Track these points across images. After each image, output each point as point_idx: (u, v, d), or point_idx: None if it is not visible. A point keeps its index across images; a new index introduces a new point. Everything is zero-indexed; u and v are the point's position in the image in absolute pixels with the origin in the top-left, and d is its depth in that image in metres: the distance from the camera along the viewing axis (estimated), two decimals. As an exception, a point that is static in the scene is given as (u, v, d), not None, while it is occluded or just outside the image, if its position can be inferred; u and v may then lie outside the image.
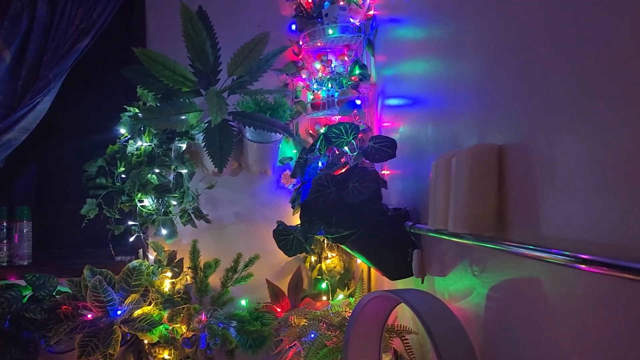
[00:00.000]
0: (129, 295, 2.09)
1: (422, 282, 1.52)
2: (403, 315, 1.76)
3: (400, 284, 1.78)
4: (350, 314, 1.58)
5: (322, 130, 2.40)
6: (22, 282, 2.20)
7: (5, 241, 2.34)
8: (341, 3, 2.28)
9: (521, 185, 1.00)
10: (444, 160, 1.20)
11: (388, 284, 1.94)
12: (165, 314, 2.10)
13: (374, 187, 1.51)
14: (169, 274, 2.22)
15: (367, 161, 2.00)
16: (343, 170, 1.59)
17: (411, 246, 1.57)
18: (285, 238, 1.62)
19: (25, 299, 2.10)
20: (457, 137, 1.34)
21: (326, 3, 2.32)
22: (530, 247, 0.90)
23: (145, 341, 2.11)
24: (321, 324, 1.68)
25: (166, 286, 2.20)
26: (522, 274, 1.03)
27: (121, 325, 2.01)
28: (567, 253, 0.77)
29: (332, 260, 2.29)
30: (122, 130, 2.24)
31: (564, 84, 0.84)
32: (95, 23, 2.30)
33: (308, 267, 2.35)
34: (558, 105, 0.87)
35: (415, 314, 1.23)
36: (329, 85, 2.31)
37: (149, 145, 2.18)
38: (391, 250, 1.61)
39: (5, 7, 2.25)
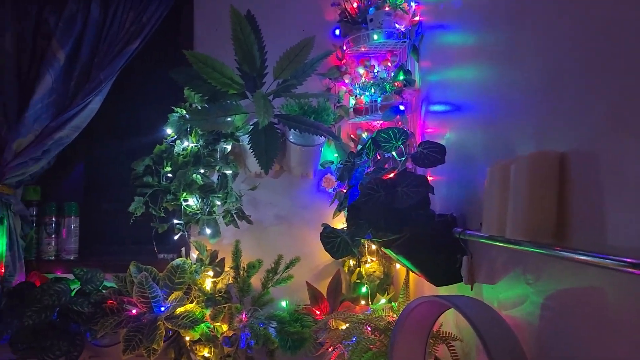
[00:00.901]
0: (173, 293, 2.13)
1: (472, 289, 1.51)
2: (447, 322, 1.75)
3: (443, 291, 1.78)
4: (394, 319, 1.58)
5: (364, 135, 2.41)
6: (69, 276, 2.27)
7: (53, 236, 2.42)
8: (387, 9, 2.29)
9: (585, 192, 0.99)
10: (500, 166, 1.19)
11: (428, 290, 1.94)
12: (207, 312, 2.13)
13: (423, 192, 1.51)
14: (211, 273, 2.26)
15: (411, 166, 2.01)
16: (392, 174, 1.60)
17: (458, 252, 1.56)
18: (332, 241, 1.64)
19: (73, 292, 2.17)
20: (511, 144, 1.33)
21: (371, 9, 2.33)
22: (596, 254, 0.89)
23: (187, 338, 2.15)
24: (365, 327, 1.68)
25: (208, 285, 2.23)
26: (583, 283, 1.02)
27: (165, 322, 2.05)
28: (633, 261, 0.76)
29: (371, 264, 2.29)
30: (169, 131, 2.29)
31: (633, 88, 0.83)
32: (145, 26, 2.37)
33: (347, 271, 2.36)
34: (626, 111, 0.85)
35: (468, 320, 1.22)
36: (372, 91, 2.32)
37: (195, 146, 2.23)
38: (437, 255, 1.61)
39: (60, 9, 2.34)
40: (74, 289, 2.19)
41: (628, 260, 0.74)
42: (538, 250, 1.07)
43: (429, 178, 2.00)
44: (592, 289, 0.98)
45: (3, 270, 2.18)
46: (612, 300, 0.91)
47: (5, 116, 2.27)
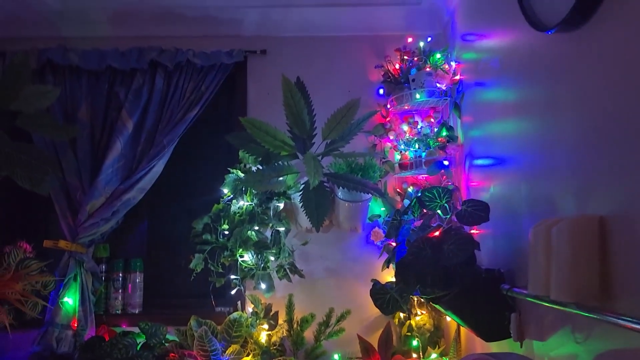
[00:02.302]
0: (230, 346, 2.23)
1: (521, 347, 1.53)
2: (499, 377, 1.76)
3: (494, 345, 1.79)
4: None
5: (409, 190, 2.48)
6: (135, 329, 2.41)
7: (120, 290, 2.58)
8: (428, 69, 2.41)
9: (626, 255, 1.04)
10: (544, 227, 1.25)
11: (480, 344, 1.95)
12: (263, 366, 2.21)
13: (469, 250, 1.57)
14: (266, 326, 2.34)
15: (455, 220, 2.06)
16: (437, 232, 1.67)
17: (506, 309, 1.59)
18: (382, 297, 1.70)
19: (139, 346, 2.30)
20: (553, 201, 1.38)
21: (413, 70, 2.45)
22: (635, 319, 0.93)
23: (244, 391, 2.22)
24: (417, 382, 1.72)
25: (263, 338, 2.32)
26: (630, 344, 1.05)
27: (223, 374, 2.15)
28: None
29: (421, 317, 2.32)
30: (226, 190, 2.44)
31: None
32: (204, 94, 2.57)
33: (397, 323, 2.39)
34: None
35: (517, 378, 1.25)
36: (416, 146, 2.42)
37: (250, 205, 2.37)
38: (486, 311, 1.64)
39: (129, 83, 2.58)
40: (139, 342, 2.32)
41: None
42: (582, 313, 1.11)
43: (475, 232, 2.05)
44: (637, 351, 1.01)
45: (76, 325, 2.34)
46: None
47: (80, 181, 2.49)
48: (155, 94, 2.56)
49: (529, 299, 1.37)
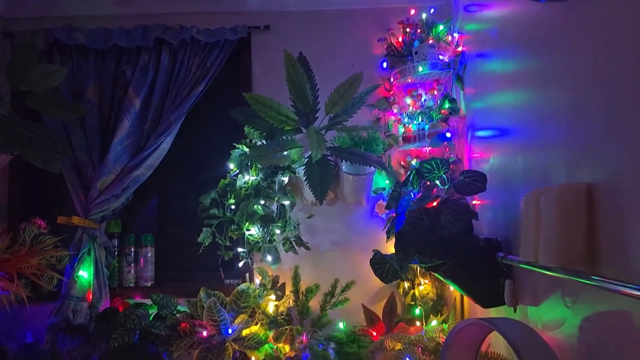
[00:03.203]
0: (239, 316, 2.30)
1: (515, 312, 1.57)
2: (497, 342, 1.81)
3: (493, 312, 1.83)
4: (444, 340, 1.66)
5: (413, 162, 2.51)
6: (147, 301, 2.50)
7: (132, 265, 2.66)
8: (430, 41, 2.40)
9: (612, 222, 1.06)
10: (533, 196, 1.28)
11: (481, 311, 1.99)
12: (271, 334, 2.28)
13: (466, 220, 1.60)
14: (273, 296, 2.41)
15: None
16: (435, 203, 1.70)
17: (503, 275, 1.63)
18: (382, 266, 1.75)
19: (151, 317, 2.38)
20: (547, 171, 1.40)
21: (416, 42, 2.45)
22: (616, 282, 0.96)
23: (253, 358, 2.30)
24: (416, 348, 1.77)
25: (270, 308, 2.39)
26: (614, 306, 1.08)
27: (232, 343, 2.22)
28: None
29: (425, 286, 2.37)
30: (232, 166, 2.49)
31: None
32: (209, 71, 2.60)
33: (401, 293, 2.45)
34: None
35: (508, 342, 1.30)
36: (420, 119, 2.43)
37: (255, 179, 2.42)
38: (483, 279, 1.68)
39: (135, 61, 2.62)
40: (151, 313, 2.41)
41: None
42: (569, 277, 1.14)
43: (476, 202, 2.08)
44: (620, 312, 1.04)
45: (92, 297, 2.44)
46: (638, 323, 0.97)
47: (90, 158, 2.55)
48: (161, 71, 2.60)
49: (521, 265, 1.40)
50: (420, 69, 2.41)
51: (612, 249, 1.06)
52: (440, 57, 2.39)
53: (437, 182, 1.79)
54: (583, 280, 1.08)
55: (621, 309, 1.04)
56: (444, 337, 1.90)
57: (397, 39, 2.57)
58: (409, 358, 1.78)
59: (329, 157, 2.27)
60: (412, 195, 1.97)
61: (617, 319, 1.06)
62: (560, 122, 1.32)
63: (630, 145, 0.99)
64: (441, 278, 1.80)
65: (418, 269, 2.36)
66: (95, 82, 2.63)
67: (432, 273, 2.01)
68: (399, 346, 2.02)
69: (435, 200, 1.70)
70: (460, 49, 2.35)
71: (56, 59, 2.63)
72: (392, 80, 2.59)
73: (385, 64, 2.65)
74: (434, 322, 2.25)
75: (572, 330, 1.27)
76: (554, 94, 1.36)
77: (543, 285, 1.44)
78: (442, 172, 1.76)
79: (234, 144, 2.51)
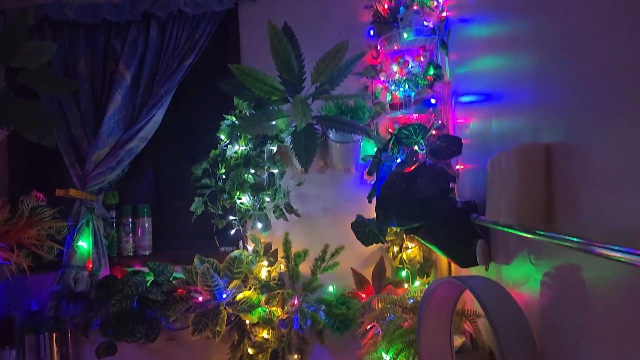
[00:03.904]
0: (232, 281, 2.39)
1: (487, 270, 1.63)
2: (474, 300, 1.87)
3: (473, 271, 1.90)
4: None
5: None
6: (145, 269, 2.60)
7: (130, 234, 2.75)
8: (415, 7, 2.41)
9: (568, 181, 1.10)
10: (497, 158, 1.32)
11: (466, 272, 2.06)
12: (263, 298, 2.37)
13: (441, 183, 1.65)
14: (265, 262, 2.50)
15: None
16: (413, 167, 1.74)
17: (479, 236, 1.68)
18: (362, 230, 1.81)
19: (149, 283, 2.48)
20: (516, 134, 1.44)
21: (401, 8, 2.46)
22: (564, 236, 1.01)
23: (247, 321, 2.40)
24: (397, 307, 1.85)
25: (263, 273, 2.48)
26: (568, 260, 1.13)
27: (226, 307, 2.31)
28: (597, 242, 0.86)
29: (412, 250, 2.44)
30: (222, 136, 2.54)
31: (607, 83, 0.90)
32: (198, 43, 2.63)
33: (390, 257, 2.52)
34: (600, 104, 0.93)
35: (475, 297, 1.36)
36: (406, 86, 2.45)
37: (245, 149, 2.47)
38: (460, 240, 1.73)
39: (124, 35, 2.65)
40: (148, 280, 2.50)
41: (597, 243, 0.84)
42: (527, 235, 1.19)
43: (459, 167, 2.13)
44: (572, 266, 1.10)
45: (91, 266, 2.54)
46: (586, 275, 1.03)
47: (85, 132, 2.61)
48: (151, 44, 2.63)
49: (490, 225, 1.45)
50: (406, 35, 2.42)
51: (566, 206, 1.11)
52: (425, 23, 2.40)
53: (416, 147, 1.83)
54: (532, 236, 1.12)
55: (574, 263, 1.10)
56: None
57: (383, 6, 2.58)
58: (392, 317, 1.86)
59: (316, 126, 2.31)
60: (399, 161, 2.02)
61: (571, 273, 1.12)
62: (527, 86, 1.35)
63: (585, 107, 1.02)
64: (421, 240, 1.86)
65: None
66: (87, 57, 2.68)
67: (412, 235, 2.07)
68: (382, 307, 2.09)
69: (413, 165, 1.75)
70: (444, 14, 2.35)
71: (47, 34, 2.68)
72: (378, 47, 2.61)
73: (372, 32, 2.66)
74: (416, 283, 2.32)
75: (536, 285, 1.33)
76: (522, 59, 1.39)
77: (514, 244, 1.49)
78: (419, 138, 1.80)
79: (224, 115, 2.56)
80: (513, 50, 1.46)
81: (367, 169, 2.58)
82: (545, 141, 1.20)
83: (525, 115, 1.36)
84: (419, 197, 1.65)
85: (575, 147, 1.07)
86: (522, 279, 1.43)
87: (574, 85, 1.08)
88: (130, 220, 2.75)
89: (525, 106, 1.37)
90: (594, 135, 0.97)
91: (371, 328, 1.92)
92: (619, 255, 0.75)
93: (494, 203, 1.33)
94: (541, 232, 1.05)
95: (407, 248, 2.44)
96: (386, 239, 2.33)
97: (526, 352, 1.26)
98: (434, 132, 2.13)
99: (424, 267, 2.42)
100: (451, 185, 1.79)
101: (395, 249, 2.50)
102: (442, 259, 2.40)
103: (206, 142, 2.72)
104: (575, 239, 0.94)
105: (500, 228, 1.33)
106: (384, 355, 1.80)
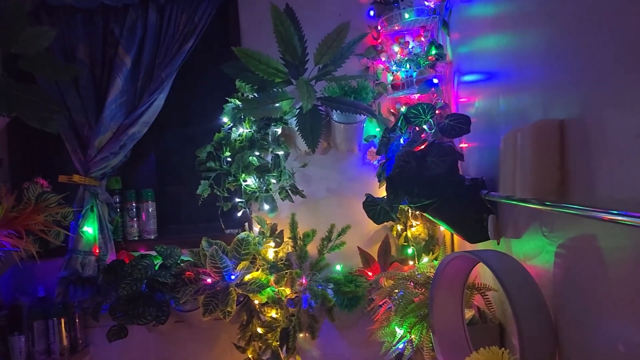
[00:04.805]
0: (240, 262, 2.42)
1: (498, 244, 1.68)
2: (484, 274, 1.93)
3: (480, 247, 1.95)
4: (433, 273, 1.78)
5: (402, 109, 2.57)
6: (152, 253, 2.62)
7: (135, 219, 2.77)
8: (416, -13, 2.42)
9: (581, 154, 1.14)
10: (510, 135, 1.36)
11: (470, 248, 2.11)
12: (272, 278, 2.41)
13: (450, 161, 1.69)
14: (272, 243, 2.53)
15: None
16: (422, 146, 1.78)
17: (487, 212, 1.73)
18: (374, 208, 1.85)
19: (157, 266, 2.50)
20: (525, 111, 1.48)
21: (401, -12, 2.47)
22: (581, 207, 1.05)
23: (256, 301, 2.44)
24: (408, 283, 1.89)
25: (270, 254, 2.51)
26: (583, 231, 1.18)
27: (235, 288, 2.35)
28: (612, 211, 0.90)
29: (416, 228, 2.48)
30: (225, 119, 2.55)
31: (618, 59, 0.93)
32: (197, 26, 2.62)
33: (395, 235, 2.57)
34: (613, 78, 0.96)
35: (491, 269, 1.40)
36: (407, 66, 2.47)
37: (249, 132, 2.48)
38: (469, 216, 1.78)
39: (122, 20, 2.63)
40: (156, 263, 2.53)
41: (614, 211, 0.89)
42: (542, 207, 1.23)
43: (464, 145, 2.16)
44: (587, 236, 1.14)
45: (98, 251, 2.55)
46: (602, 244, 1.07)
47: (86, 118, 2.60)
48: (150, 28, 2.61)
49: (502, 200, 1.50)
50: (407, 15, 2.43)
51: (580, 178, 1.15)
52: (426, 2, 2.41)
53: (424, 126, 1.86)
54: (555, 209, 1.17)
55: (589, 233, 1.14)
56: (433, 272, 2.02)
57: (383, -14, 2.58)
58: (402, 292, 1.90)
59: (319, 107, 2.32)
60: (402, 141, 2.05)
61: (586, 243, 1.16)
62: (536, 62, 1.38)
63: (598, 83, 1.05)
64: (431, 218, 1.90)
65: (410, 211, 2.47)
66: (85, 42, 2.65)
67: (423, 214, 2.12)
68: (392, 283, 2.14)
69: (422, 144, 1.78)
70: (445, -6, 2.37)
71: (44, 20, 2.64)
72: (379, 28, 2.62)
73: (372, 12, 2.66)
74: (425, 260, 2.38)
75: (549, 257, 1.37)
76: (531, 35, 1.41)
77: (523, 218, 1.54)
78: (428, 117, 1.83)
79: (227, 98, 2.56)
80: (521, 27, 1.48)
81: (369, 149, 2.62)
82: (558, 117, 1.24)
83: (536, 92, 1.39)
84: (429, 175, 1.68)
85: (589, 122, 1.10)
86: (534, 251, 1.48)
87: (586, 60, 1.11)
88: (134, 204, 2.76)
89: (535, 83, 1.40)
90: (608, 109, 1.01)
91: (383, 304, 1.97)
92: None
93: (507, 178, 1.37)
94: (567, 205, 1.08)
95: (411, 226, 2.49)
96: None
97: (541, 319, 1.32)
98: (437, 111, 2.17)
99: (429, 244, 2.47)
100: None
101: (399, 227, 2.54)
102: (447, 236, 2.45)
103: (207, 125, 2.73)
104: (589, 209, 0.98)
105: (515, 202, 1.37)
106: (397, 329, 1.85)
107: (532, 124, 1.25)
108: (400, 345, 1.83)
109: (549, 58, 1.29)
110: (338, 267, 2.58)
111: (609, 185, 1.02)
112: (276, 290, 2.41)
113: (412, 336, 1.80)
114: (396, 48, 2.56)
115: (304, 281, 2.40)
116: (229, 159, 2.50)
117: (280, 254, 2.52)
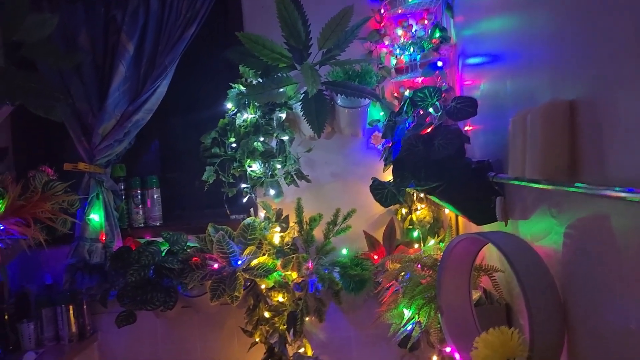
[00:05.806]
0: (247, 248, 2.43)
1: (506, 225, 1.70)
2: (491, 256, 1.94)
3: (487, 228, 1.96)
4: (441, 256, 1.80)
5: (406, 93, 2.57)
6: (158, 239, 2.63)
7: (140, 206, 2.78)
8: (419, -30, 2.40)
9: (591, 135, 1.15)
10: (520, 117, 1.36)
11: (475, 229, 2.13)
12: (278, 263, 2.43)
13: (457, 144, 1.69)
14: (278, 228, 2.54)
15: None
16: (429, 129, 1.78)
17: (494, 194, 1.74)
18: (381, 192, 1.85)
19: (164, 252, 2.52)
20: (533, 93, 1.48)
21: (405, -29, 2.45)
22: (593, 186, 1.06)
23: (263, 286, 2.46)
24: (416, 265, 1.91)
25: (276, 239, 2.53)
26: (594, 211, 1.19)
27: (242, 273, 2.37)
28: (625, 189, 0.92)
29: (421, 211, 2.50)
30: (230, 105, 2.55)
31: (628, 39, 0.93)
32: (199, 12, 2.60)
33: (400, 219, 2.58)
34: (621, 60, 0.97)
35: (499, 250, 1.42)
36: (411, 50, 2.47)
37: (254, 117, 2.48)
38: (476, 198, 1.79)
39: (124, 6, 2.61)
40: (163, 249, 2.54)
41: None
42: (553, 187, 1.24)
43: (469, 128, 2.17)
44: (598, 215, 1.15)
45: (105, 238, 2.56)
46: (615, 223, 1.08)
47: (90, 106, 2.60)
48: (152, 15, 2.59)
49: (511, 181, 1.50)
50: (410, -2, 2.42)
51: (591, 158, 1.16)
52: (430, -15, 2.40)
53: (431, 109, 1.87)
54: (566, 188, 1.17)
55: (601, 213, 1.15)
56: (441, 254, 2.03)
57: (386, -31, 2.57)
58: (409, 275, 1.92)
59: (324, 92, 2.32)
60: (407, 125, 2.05)
61: (596, 223, 1.17)
62: (544, 44, 1.39)
63: (608, 63, 1.06)
64: (437, 200, 1.91)
65: (415, 195, 2.48)
66: (87, 29, 2.63)
67: (428, 197, 2.13)
68: (399, 265, 2.16)
69: (429, 127, 1.79)
70: (449, -25, 2.35)
71: (44, 7, 2.62)
72: (382, 11, 2.61)
73: (375, -5, 2.65)
74: (431, 242, 2.39)
75: (557, 238, 1.38)
76: (539, 17, 1.41)
77: (531, 199, 1.55)
78: (434, 100, 1.83)
79: (230, 83, 2.55)
80: (528, 8, 1.48)
81: (373, 134, 2.63)
82: (568, 98, 1.25)
83: (545, 73, 1.39)
84: (436, 157, 1.69)
85: (599, 102, 1.11)
86: (542, 232, 1.49)
87: (596, 40, 1.11)
88: (139, 191, 2.77)
89: (544, 64, 1.40)
90: (618, 89, 1.01)
91: (390, 286, 1.99)
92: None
93: (517, 160, 1.37)
94: (580, 184, 1.09)
95: (416, 209, 2.51)
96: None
97: (550, 299, 1.33)
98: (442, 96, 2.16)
99: (434, 227, 2.49)
100: (464, 145, 1.84)
101: (404, 210, 2.56)
102: (451, 218, 2.47)
103: (211, 111, 2.73)
104: (601, 188, 0.99)
105: (524, 184, 1.38)
106: (405, 311, 1.87)
107: (542, 105, 1.26)
108: (409, 327, 1.85)
109: (558, 39, 1.29)
110: (344, 251, 2.60)
111: (619, 166, 1.03)
112: (283, 274, 2.42)
113: (420, 318, 1.82)
114: (400, 31, 2.55)
115: (310, 265, 2.42)
116: (233, 145, 2.51)
117: (287, 239, 2.54)
